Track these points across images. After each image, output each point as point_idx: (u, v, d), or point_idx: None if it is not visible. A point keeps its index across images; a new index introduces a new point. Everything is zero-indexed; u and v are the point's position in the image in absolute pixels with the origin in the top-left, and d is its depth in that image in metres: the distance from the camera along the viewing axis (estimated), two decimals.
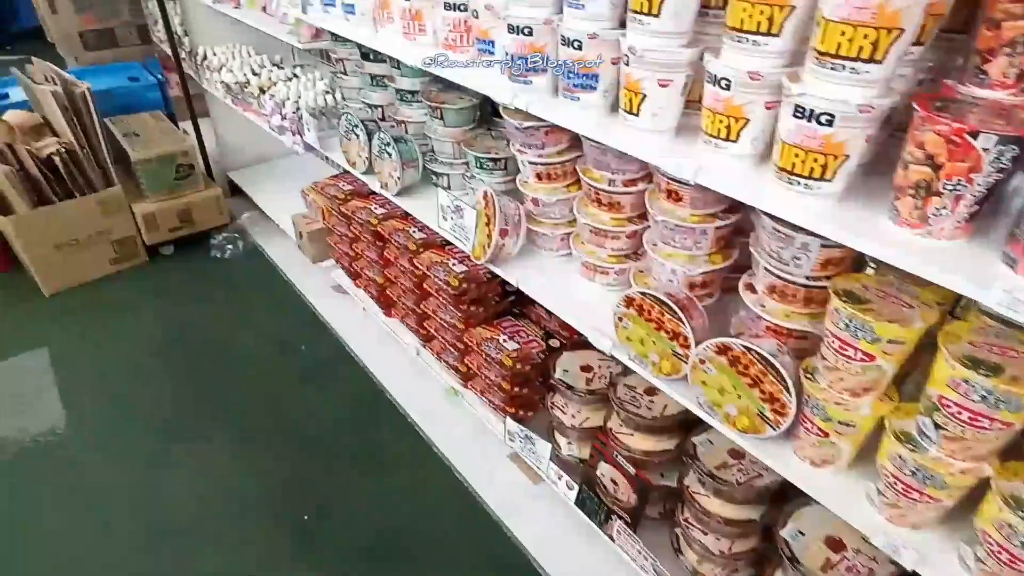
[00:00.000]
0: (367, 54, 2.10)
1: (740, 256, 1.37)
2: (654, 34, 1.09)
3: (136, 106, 3.40)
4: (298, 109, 2.55)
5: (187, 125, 3.45)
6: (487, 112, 2.04)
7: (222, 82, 3.07)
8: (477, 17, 1.46)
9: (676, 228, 1.33)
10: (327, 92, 2.71)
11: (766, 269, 1.19)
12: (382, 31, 1.82)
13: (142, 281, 3.08)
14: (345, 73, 2.29)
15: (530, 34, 1.31)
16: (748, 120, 1.04)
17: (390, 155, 2.02)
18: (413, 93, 2.05)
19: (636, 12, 1.09)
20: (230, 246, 3.25)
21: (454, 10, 1.54)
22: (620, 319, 1.38)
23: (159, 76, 3.59)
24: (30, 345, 2.65)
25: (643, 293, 1.30)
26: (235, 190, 3.75)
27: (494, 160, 1.83)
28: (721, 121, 1.06)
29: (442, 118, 1.96)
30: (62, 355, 2.62)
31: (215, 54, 3.27)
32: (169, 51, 3.34)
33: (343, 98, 2.46)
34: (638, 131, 1.20)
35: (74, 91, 2.73)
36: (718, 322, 1.33)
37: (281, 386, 2.48)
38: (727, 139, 1.07)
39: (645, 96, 1.15)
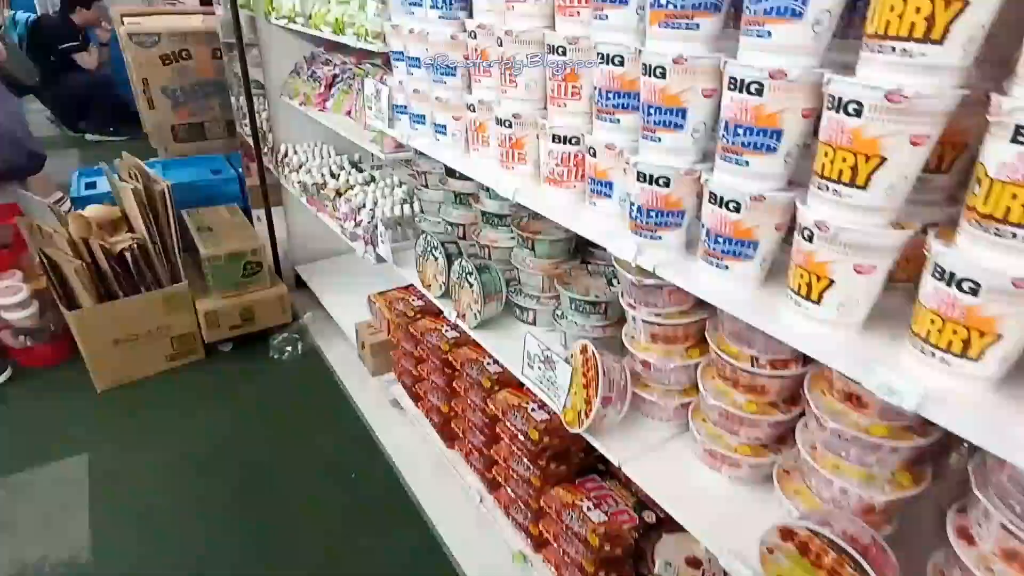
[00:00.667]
0: (453, 171, 1.94)
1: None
2: (855, 209, 0.82)
3: (215, 198, 3.39)
4: (373, 218, 2.40)
5: (260, 213, 3.40)
6: (583, 242, 1.80)
7: (299, 182, 3.01)
8: (594, 156, 1.24)
9: (853, 440, 1.00)
10: (405, 201, 2.58)
11: (1004, 528, 0.84)
12: (475, 154, 1.64)
13: (196, 380, 2.92)
14: (426, 186, 2.14)
15: (666, 185, 1.07)
16: (1000, 335, 0.74)
17: (471, 285, 1.80)
18: (501, 217, 1.85)
19: (830, 180, 0.83)
20: (288, 347, 3.08)
21: (564, 143, 1.33)
22: (770, 551, 1.04)
23: (239, 170, 3.60)
24: (71, 451, 2.49)
25: (811, 530, 0.96)
26: (300, 283, 3.65)
27: (592, 303, 1.57)
28: (957, 332, 0.76)
29: (532, 248, 1.74)
30: (101, 464, 2.44)
31: (296, 152, 3.25)
32: (252, 144, 3.37)
33: (422, 211, 2.30)
34: (817, 322, 0.91)
35: (154, 188, 2.71)
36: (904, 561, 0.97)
37: (326, 525, 2.19)
38: (964, 355, 0.77)
39: (832, 282, 0.87)
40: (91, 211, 2.76)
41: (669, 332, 1.33)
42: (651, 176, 1.08)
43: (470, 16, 1.57)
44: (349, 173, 2.98)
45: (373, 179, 2.95)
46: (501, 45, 1.39)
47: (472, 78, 1.58)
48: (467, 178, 1.91)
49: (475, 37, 1.47)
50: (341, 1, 2.33)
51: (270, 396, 2.85)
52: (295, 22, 2.76)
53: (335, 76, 2.91)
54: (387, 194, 2.66)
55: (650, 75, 1.03)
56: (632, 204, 1.14)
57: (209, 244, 2.96)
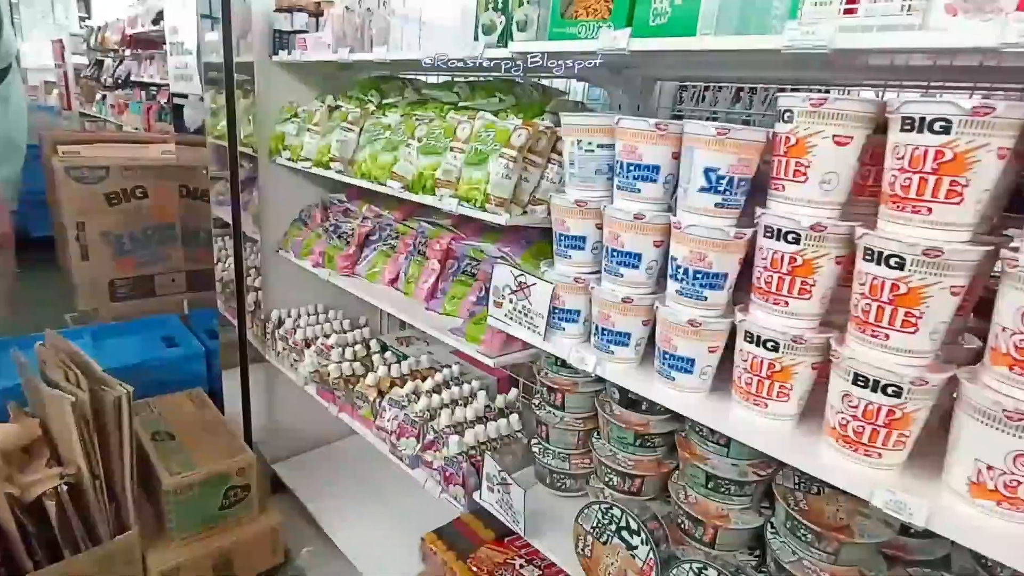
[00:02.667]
0: (628, 394, 1.30)
1: None
2: None
3: (172, 382, 2.48)
4: (469, 451, 1.66)
5: (234, 386, 2.50)
6: None
7: (312, 371, 2.22)
8: None
9: None
10: (489, 407, 1.87)
11: None
12: (739, 403, 1.02)
13: None
14: (559, 407, 1.46)
15: None
16: None
17: None
18: (739, 484, 1.21)
19: None
20: None
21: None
22: None
23: (200, 336, 2.73)
24: None
25: None
26: (277, 485, 2.71)
27: None
28: None
29: (833, 552, 1.09)
30: None
31: (293, 319, 2.47)
32: (221, 304, 2.55)
33: (545, 441, 1.59)
34: None
35: (104, 397, 1.82)
36: None
37: None
38: None
39: None
40: None
41: None
42: None
43: (756, 205, 1.01)
44: (382, 355, 2.24)
45: (403, 357, 2.23)
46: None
47: (759, 292, 1.00)
48: (659, 410, 1.27)
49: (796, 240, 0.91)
50: (427, 151, 1.72)
51: None
52: (327, 168, 2.12)
53: (368, 233, 2.25)
54: (462, 396, 1.95)
55: None
56: None
57: (174, 464, 2.04)
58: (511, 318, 1.40)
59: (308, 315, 2.56)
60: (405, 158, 1.81)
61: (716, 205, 1.02)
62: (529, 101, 1.79)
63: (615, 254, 1.16)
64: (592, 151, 1.20)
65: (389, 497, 2.54)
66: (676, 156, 1.10)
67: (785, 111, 0.95)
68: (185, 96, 2.59)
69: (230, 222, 2.33)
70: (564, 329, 1.33)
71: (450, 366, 2.17)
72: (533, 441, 1.65)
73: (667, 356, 1.12)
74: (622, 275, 1.17)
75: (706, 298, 1.06)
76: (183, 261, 2.92)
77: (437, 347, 2.53)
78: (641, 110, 1.59)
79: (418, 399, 1.93)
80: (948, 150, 0.79)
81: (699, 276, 1.05)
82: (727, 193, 1.01)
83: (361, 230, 2.24)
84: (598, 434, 1.51)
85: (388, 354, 2.27)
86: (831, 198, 0.95)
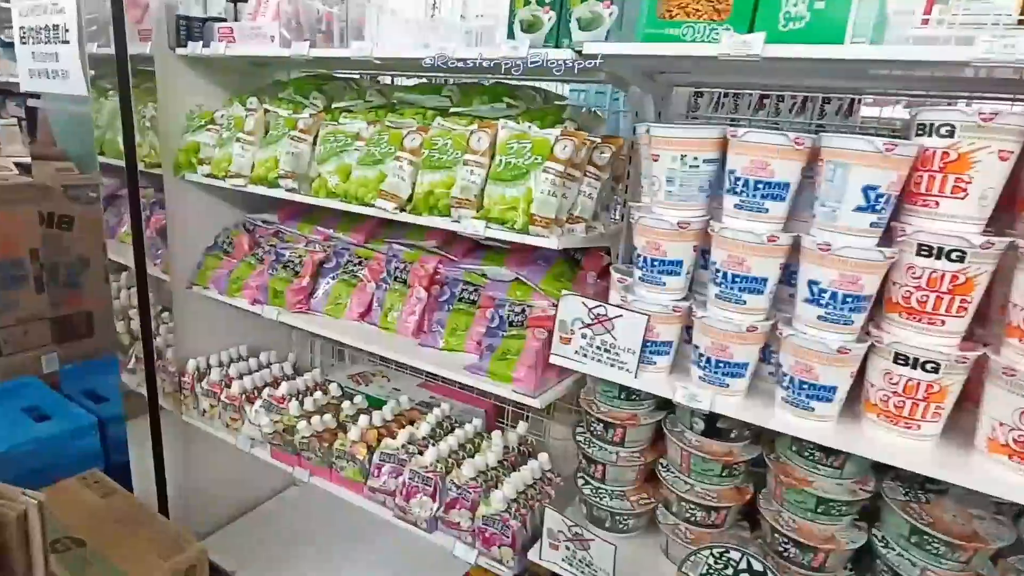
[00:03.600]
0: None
1: None
2: None
3: (53, 468, 1.91)
4: (507, 504, 1.46)
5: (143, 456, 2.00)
6: None
7: (273, 433, 1.84)
8: None
9: None
10: (509, 448, 1.68)
11: None
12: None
13: None
14: (619, 443, 1.34)
15: None
16: None
17: None
18: (850, 504, 1.18)
19: None
20: None
21: None
22: None
23: (86, 404, 2.16)
24: None
25: None
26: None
27: None
28: None
29: None
30: None
31: (228, 377, 2.03)
32: (124, 352, 2.02)
33: (600, 481, 1.44)
34: None
35: (8, 514, 1.31)
36: None
37: None
38: None
39: None
40: None
41: None
42: None
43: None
44: (351, 401, 1.93)
45: (377, 400, 1.94)
46: None
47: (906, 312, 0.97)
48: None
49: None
50: (434, 165, 1.47)
51: None
52: (273, 185, 1.75)
53: (322, 261, 1.91)
54: (467, 439, 1.73)
55: None
56: None
57: None
58: (586, 355, 1.24)
59: (234, 361, 2.13)
60: (395, 173, 1.54)
61: (872, 225, 0.97)
62: (537, 107, 1.62)
63: (737, 279, 1.06)
64: (697, 167, 1.08)
65: (361, 555, 2.21)
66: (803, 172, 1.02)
67: (942, 125, 0.92)
68: (38, 96, 2.00)
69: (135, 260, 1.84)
70: (656, 363, 1.20)
71: (439, 404, 1.92)
72: (581, 482, 1.50)
73: (805, 386, 1.04)
74: (744, 301, 1.07)
75: (852, 322, 1.01)
76: (43, 306, 2.27)
77: (400, 380, 2.26)
78: (663, 116, 1.50)
79: (420, 450, 1.67)
80: None
81: (849, 300, 0.99)
82: (882, 212, 0.96)
83: (313, 257, 1.90)
84: (664, 466, 1.41)
85: (358, 399, 1.96)
86: (985, 213, 0.94)
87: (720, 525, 1.34)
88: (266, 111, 1.86)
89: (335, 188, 1.65)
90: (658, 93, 1.49)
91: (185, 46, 1.84)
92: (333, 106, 1.85)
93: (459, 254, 1.78)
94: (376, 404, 1.94)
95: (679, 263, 1.15)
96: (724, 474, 1.31)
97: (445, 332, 1.68)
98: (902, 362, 0.98)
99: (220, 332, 2.15)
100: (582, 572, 1.32)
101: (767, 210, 1.03)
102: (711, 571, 1.20)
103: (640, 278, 1.20)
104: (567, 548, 1.34)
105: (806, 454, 1.20)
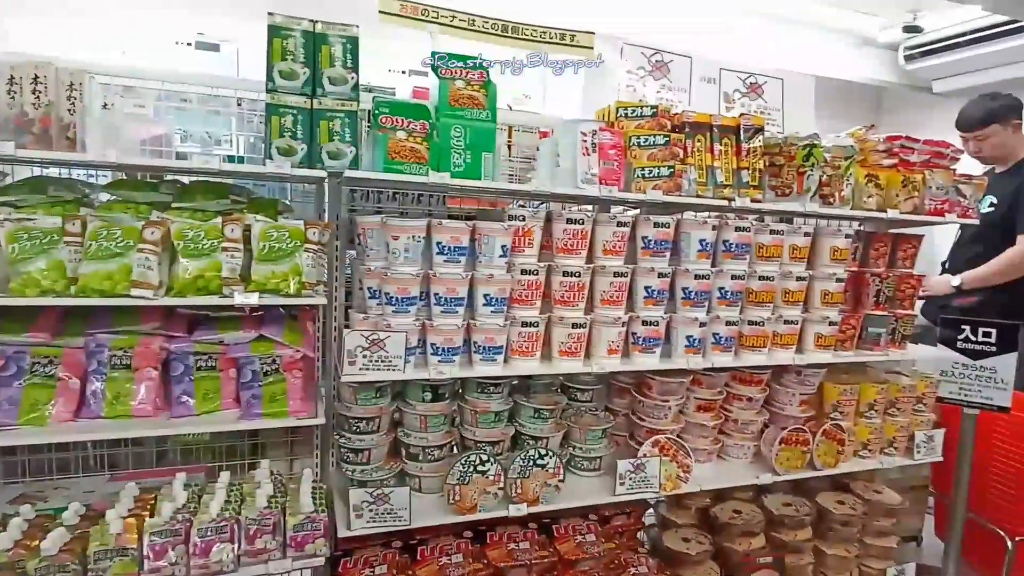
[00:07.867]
0: None
1: None
2: None
3: None
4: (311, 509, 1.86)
5: None
6: None
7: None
8: None
9: None
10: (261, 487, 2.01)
11: None
12: None
13: None
14: (375, 433, 2.04)
15: None
16: None
17: (543, 466, 2.10)
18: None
19: None
20: None
21: None
22: None
23: None
24: None
25: None
26: None
27: None
28: None
29: None
30: None
31: None
32: None
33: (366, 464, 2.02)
34: None
35: None
36: None
37: None
38: None
39: None
40: None
41: None
42: None
43: None
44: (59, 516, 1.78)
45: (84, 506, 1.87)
46: None
47: None
48: None
49: None
50: (193, 253, 1.73)
51: None
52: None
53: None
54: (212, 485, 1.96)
55: None
56: None
57: None
58: (367, 368, 1.85)
59: None
60: (142, 264, 1.71)
61: (505, 263, 2.00)
62: (252, 201, 2.03)
63: (451, 300, 1.93)
64: (420, 241, 1.90)
65: None
66: None
67: (521, 216, 2.04)
68: None
69: None
70: (411, 361, 1.92)
71: (167, 482, 1.99)
72: (350, 470, 2.04)
73: (489, 349, 2.00)
74: (457, 312, 1.94)
75: (503, 312, 2.03)
76: None
77: (81, 485, 2.06)
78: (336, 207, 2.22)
79: (196, 510, 1.82)
80: None
81: (496, 301, 2.00)
82: (507, 257, 2.01)
83: None
84: (405, 434, 2.12)
85: (68, 514, 1.81)
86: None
87: (445, 457, 2.16)
88: None
89: (54, 286, 1.64)
90: (338, 192, 2.18)
91: None
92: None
93: (185, 329, 1.96)
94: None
95: (416, 297, 1.93)
96: (447, 424, 2.14)
97: (195, 399, 1.89)
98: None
99: None
100: (384, 521, 1.91)
101: (460, 261, 1.95)
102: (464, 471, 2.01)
103: (393, 311, 1.91)
104: (370, 510, 1.90)
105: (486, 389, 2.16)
